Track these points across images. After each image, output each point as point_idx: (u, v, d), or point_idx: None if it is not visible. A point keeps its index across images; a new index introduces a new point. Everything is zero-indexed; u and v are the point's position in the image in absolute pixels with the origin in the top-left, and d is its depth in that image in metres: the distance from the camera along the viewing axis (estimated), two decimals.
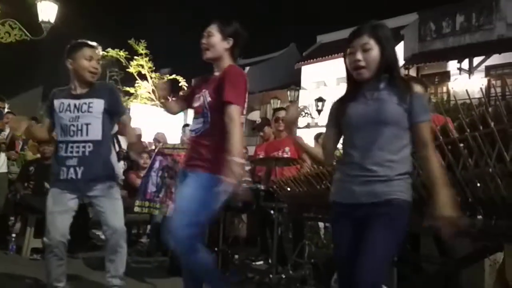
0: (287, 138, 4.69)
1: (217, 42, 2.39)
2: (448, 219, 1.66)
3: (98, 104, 2.77)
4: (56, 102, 2.81)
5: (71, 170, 2.71)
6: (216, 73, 2.47)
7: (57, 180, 2.76)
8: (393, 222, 1.75)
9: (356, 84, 1.88)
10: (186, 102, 2.65)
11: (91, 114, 2.74)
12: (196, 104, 2.47)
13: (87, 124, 2.74)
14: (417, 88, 1.84)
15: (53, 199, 2.73)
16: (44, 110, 2.87)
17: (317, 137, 7.12)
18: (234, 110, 2.26)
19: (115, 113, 2.86)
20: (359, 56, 1.82)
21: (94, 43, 2.85)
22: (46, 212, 2.73)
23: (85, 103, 2.76)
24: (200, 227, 2.31)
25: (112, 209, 2.78)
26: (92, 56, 2.79)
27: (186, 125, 6.92)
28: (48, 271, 2.77)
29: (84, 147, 2.73)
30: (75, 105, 2.76)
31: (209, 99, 2.37)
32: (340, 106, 1.94)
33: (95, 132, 2.75)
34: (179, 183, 2.51)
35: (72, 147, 2.73)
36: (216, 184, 2.20)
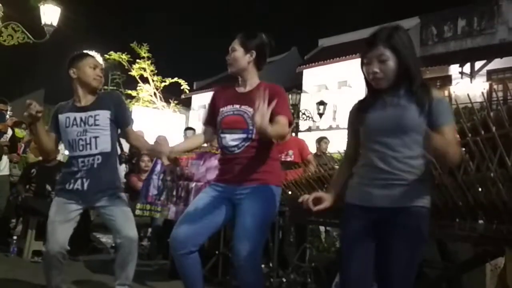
0: (291, 141, 4.72)
1: (239, 56, 2.43)
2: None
3: (104, 116, 2.74)
4: (62, 117, 2.76)
5: (78, 181, 2.70)
6: (243, 88, 2.48)
7: (63, 189, 2.73)
8: (414, 233, 1.73)
9: (375, 91, 1.85)
10: (213, 120, 2.56)
11: (98, 127, 2.71)
12: (231, 119, 2.43)
13: (95, 138, 2.70)
14: (438, 93, 1.80)
15: (56, 208, 2.70)
16: (49, 126, 2.81)
17: (319, 140, 7.13)
18: (285, 121, 2.33)
19: (121, 124, 2.83)
20: (376, 68, 1.77)
21: (94, 53, 2.88)
22: (47, 220, 2.70)
23: (91, 116, 2.72)
24: (262, 240, 2.39)
25: (124, 217, 2.74)
26: (96, 64, 2.79)
27: (188, 128, 6.92)
28: (48, 279, 2.74)
29: (93, 160, 2.70)
30: (81, 119, 2.72)
31: None
32: (358, 113, 1.90)
33: (104, 145, 2.73)
34: (207, 195, 2.45)
35: (83, 161, 2.70)
36: (277, 193, 2.40)
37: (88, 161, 2.70)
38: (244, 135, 2.38)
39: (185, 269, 2.39)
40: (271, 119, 2.17)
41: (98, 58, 2.89)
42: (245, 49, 2.43)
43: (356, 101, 1.98)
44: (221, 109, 2.48)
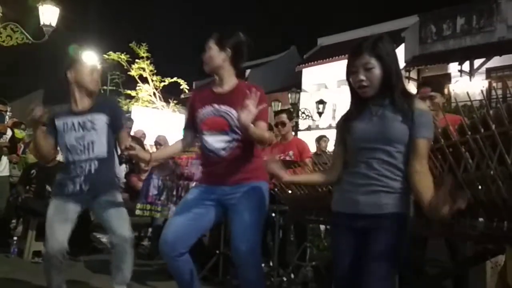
0: (293, 142, 4.72)
1: (214, 54, 2.42)
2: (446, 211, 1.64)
3: (101, 120, 2.76)
4: (59, 123, 2.78)
5: (77, 185, 2.73)
6: (220, 87, 2.47)
7: (62, 192, 2.76)
8: (393, 239, 1.76)
9: (361, 100, 1.88)
10: (193, 124, 2.56)
11: (95, 132, 2.74)
12: (212, 121, 2.43)
13: (92, 142, 2.74)
14: (421, 105, 1.83)
15: (54, 209, 2.73)
16: (46, 130, 2.81)
17: (319, 139, 7.14)
18: (265, 126, 2.41)
19: (115, 128, 2.85)
20: (362, 76, 1.81)
21: (91, 54, 2.90)
22: (46, 221, 2.72)
23: (88, 120, 2.74)
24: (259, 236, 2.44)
25: (119, 216, 2.77)
26: (92, 68, 2.84)
27: None
28: (48, 279, 2.75)
29: (90, 165, 2.74)
30: (79, 123, 2.75)
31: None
32: (345, 123, 1.94)
33: (101, 149, 2.76)
34: (195, 197, 2.47)
35: (80, 166, 2.73)
36: (267, 189, 2.47)
37: (85, 166, 2.73)
38: (228, 137, 2.39)
39: (177, 271, 2.41)
40: (252, 123, 2.22)
41: (95, 59, 2.92)
42: (220, 47, 2.42)
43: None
44: (199, 111, 2.47)
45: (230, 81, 2.47)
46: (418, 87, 4.09)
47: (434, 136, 2.20)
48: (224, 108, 2.41)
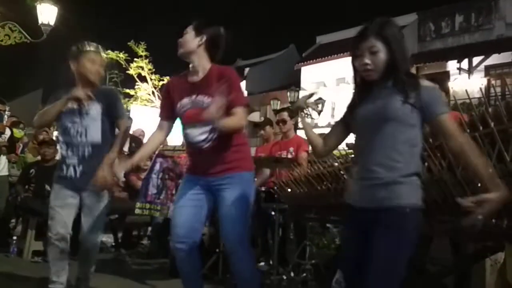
0: (294, 139, 4.71)
1: (189, 38, 2.43)
2: (499, 197, 1.60)
3: (96, 108, 2.84)
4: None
5: (71, 168, 2.83)
6: (195, 76, 2.44)
7: (59, 176, 2.88)
8: (400, 233, 1.69)
9: (365, 85, 1.85)
10: (169, 113, 2.56)
11: (88, 117, 2.83)
12: (191, 113, 2.41)
13: (85, 127, 2.82)
14: (426, 82, 1.78)
15: (54, 194, 2.86)
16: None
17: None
18: (242, 111, 2.37)
19: (113, 116, 2.92)
20: (367, 59, 1.78)
21: (96, 46, 2.90)
22: (49, 206, 2.84)
23: (85, 106, 2.83)
24: (247, 226, 2.45)
25: (93, 224, 2.85)
26: (95, 59, 2.87)
27: None
28: (50, 265, 2.83)
29: (84, 149, 2.82)
30: (76, 109, 2.83)
31: None
32: (351, 108, 1.90)
33: (94, 135, 2.83)
34: (188, 190, 2.49)
35: (72, 148, 2.83)
36: (252, 178, 2.49)
37: (78, 149, 2.82)
38: (207, 128, 2.35)
39: (187, 266, 2.45)
40: (228, 110, 2.24)
41: (101, 51, 2.93)
42: (196, 32, 2.43)
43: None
44: (178, 104, 2.46)
45: (203, 67, 2.44)
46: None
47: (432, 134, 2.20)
48: (199, 98, 2.39)
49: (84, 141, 2.81)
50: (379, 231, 1.70)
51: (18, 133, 6.10)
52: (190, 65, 2.47)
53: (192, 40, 2.42)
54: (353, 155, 1.95)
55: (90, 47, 2.88)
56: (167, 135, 2.64)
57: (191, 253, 2.41)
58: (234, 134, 2.40)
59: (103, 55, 2.96)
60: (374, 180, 1.74)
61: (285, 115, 4.71)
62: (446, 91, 3.25)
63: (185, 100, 2.43)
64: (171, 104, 2.50)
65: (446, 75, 15.36)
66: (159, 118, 2.61)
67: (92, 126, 2.82)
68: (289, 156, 4.41)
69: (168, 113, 2.55)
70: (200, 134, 2.38)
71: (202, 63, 2.44)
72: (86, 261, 2.93)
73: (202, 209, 2.46)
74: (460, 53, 14.65)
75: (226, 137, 2.37)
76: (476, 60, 14.56)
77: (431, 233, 2.66)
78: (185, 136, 2.47)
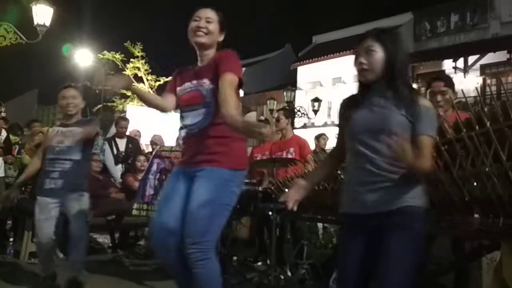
0: (293, 139, 4.77)
1: (215, 31, 2.33)
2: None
3: (78, 130, 3.33)
4: (52, 131, 3.52)
5: (52, 181, 3.30)
6: (200, 64, 2.37)
7: (42, 189, 3.32)
8: (409, 233, 1.71)
9: (364, 89, 1.87)
10: (172, 92, 2.45)
11: (72, 138, 3.32)
12: (189, 95, 2.33)
13: (69, 147, 3.32)
14: (425, 102, 1.81)
15: (39, 208, 3.29)
16: None
17: (318, 137, 7.17)
18: (232, 78, 2.16)
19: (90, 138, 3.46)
20: (362, 59, 1.81)
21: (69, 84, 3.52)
22: (35, 219, 3.31)
23: (70, 131, 3.36)
24: (218, 227, 2.18)
25: (79, 218, 3.28)
26: (64, 95, 3.42)
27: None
28: (43, 266, 3.32)
29: (65, 164, 3.31)
30: (62, 132, 3.41)
31: (211, 86, 2.24)
32: (346, 111, 1.91)
33: (75, 154, 3.33)
34: (171, 183, 2.34)
35: (55, 163, 3.32)
36: (232, 178, 2.18)
37: (61, 164, 3.31)
38: (203, 109, 2.24)
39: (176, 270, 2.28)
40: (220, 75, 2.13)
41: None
42: (221, 28, 2.37)
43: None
44: (178, 89, 2.39)
45: (209, 57, 2.35)
46: (421, 83, 4.03)
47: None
48: (197, 81, 2.31)
49: (66, 157, 3.31)
50: (391, 235, 1.70)
51: (14, 139, 6.06)
52: (198, 51, 2.36)
53: (216, 34, 2.34)
54: (347, 161, 1.91)
55: (63, 86, 3.48)
56: (168, 107, 2.47)
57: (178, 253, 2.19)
58: (223, 124, 2.11)
59: (75, 89, 3.49)
60: (382, 182, 1.74)
61: (280, 113, 4.89)
62: (453, 89, 3.14)
63: (186, 84, 2.36)
64: (174, 89, 2.43)
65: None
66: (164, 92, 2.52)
67: (74, 147, 3.32)
68: (289, 156, 4.45)
69: (170, 91, 2.46)
70: (193, 117, 2.29)
71: (210, 55, 2.36)
72: (76, 250, 3.29)
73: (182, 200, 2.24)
74: (455, 52, 14.69)
75: (217, 126, 2.20)
76: (471, 59, 14.60)
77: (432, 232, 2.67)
78: (181, 119, 2.38)
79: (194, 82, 2.33)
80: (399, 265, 1.68)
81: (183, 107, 2.38)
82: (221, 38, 2.38)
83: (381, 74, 1.80)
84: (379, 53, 1.79)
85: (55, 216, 3.29)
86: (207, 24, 2.30)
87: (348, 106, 1.92)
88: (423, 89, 3.36)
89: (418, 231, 1.74)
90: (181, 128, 2.43)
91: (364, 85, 1.87)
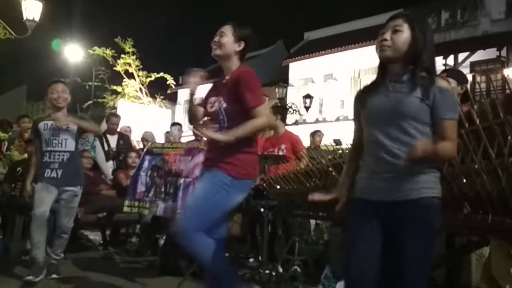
0: (284, 135, 4.76)
1: (229, 42, 2.46)
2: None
3: (74, 126, 3.74)
4: (41, 124, 3.75)
5: (53, 171, 3.66)
6: (226, 77, 2.51)
7: (43, 178, 3.65)
8: (425, 227, 1.68)
9: (381, 75, 1.84)
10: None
11: (68, 132, 3.72)
12: (210, 110, 2.51)
13: (65, 139, 3.70)
14: (443, 83, 1.76)
15: (41, 187, 3.62)
16: (30, 134, 3.93)
17: (313, 133, 7.17)
18: (260, 111, 2.38)
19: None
20: (387, 35, 1.78)
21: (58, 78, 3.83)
22: (35, 194, 3.62)
23: (64, 125, 3.67)
24: (209, 223, 2.33)
25: (68, 212, 3.73)
26: (54, 89, 3.73)
27: (174, 123, 6.86)
28: (31, 239, 3.59)
29: (63, 155, 3.69)
30: (56, 125, 3.67)
31: (225, 105, 2.42)
32: (361, 97, 1.88)
33: (70, 146, 3.74)
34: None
35: (54, 155, 3.69)
36: (232, 184, 2.35)
37: (59, 155, 3.68)
38: (217, 125, 2.44)
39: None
40: (245, 113, 2.33)
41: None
42: (236, 38, 2.47)
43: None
44: (207, 100, 2.58)
45: (231, 70, 2.51)
46: None
47: None
48: (216, 97, 2.49)
49: (63, 149, 3.69)
50: (410, 226, 1.67)
51: (3, 136, 5.99)
52: (224, 69, 2.54)
53: (231, 45, 2.47)
54: (365, 149, 1.86)
55: (52, 80, 3.78)
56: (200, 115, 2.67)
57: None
58: (246, 138, 2.36)
59: (65, 88, 3.80)
60: (396, 172, 1.69)
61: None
62: (460, 83, 3.07)
63: (211, 99, 2.53)
64: (204, 102, 2.62)
65: None
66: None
67: (70, 138, 3.72)
68: (280, 153, 4.46)
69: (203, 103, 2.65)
70: (212, 128, 2.44)
71: (232, 66, 2.51)
72: (59, 240, 3.71)
73: None
74: (445, 49, 14.76)
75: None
76: (461, 56, 14.69)
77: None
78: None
79: (215, 98, 2.50)
80: (417, 261, 1.66)
81: (209, 121, 2.55)
82: (238, 47, 2.49)
83: (401, 56, 1.76)
84: (405, 34, 1.76)
85: (54, 194, 3.62)
86: (220, 38, 2.48)
87: (365, 91, 1.88)
88: None
89: (434, 223, 1.71)
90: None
91: (382, 73, 1.83)
